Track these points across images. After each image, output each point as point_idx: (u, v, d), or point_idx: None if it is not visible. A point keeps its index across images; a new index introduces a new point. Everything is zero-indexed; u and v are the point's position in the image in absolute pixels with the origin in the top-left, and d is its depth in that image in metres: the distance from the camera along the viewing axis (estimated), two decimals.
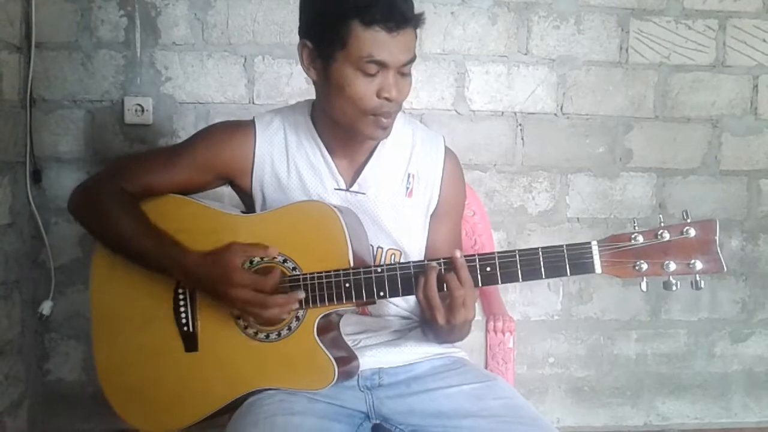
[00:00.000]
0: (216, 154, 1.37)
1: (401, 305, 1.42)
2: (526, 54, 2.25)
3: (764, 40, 2.33)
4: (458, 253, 1.19)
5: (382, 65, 1.22)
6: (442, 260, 1.20)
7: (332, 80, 1.26)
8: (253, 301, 1.21)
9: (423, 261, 1.24)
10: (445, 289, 1.18)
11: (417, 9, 1.25)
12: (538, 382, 2.37)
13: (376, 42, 1.21)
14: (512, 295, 2.31)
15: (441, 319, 1.19)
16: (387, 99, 1.24)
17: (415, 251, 1.40)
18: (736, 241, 2.39)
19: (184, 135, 2.08)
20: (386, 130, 1.30)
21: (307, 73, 1.33)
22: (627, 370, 2.41)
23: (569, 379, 2.39)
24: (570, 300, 2.35)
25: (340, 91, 1.25)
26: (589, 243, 1.16)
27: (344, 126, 1.30)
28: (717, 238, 1.12)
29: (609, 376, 2.40)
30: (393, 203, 1.38)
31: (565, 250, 1.17)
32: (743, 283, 2.41)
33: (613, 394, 2.41)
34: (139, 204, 1.33)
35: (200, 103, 2.15)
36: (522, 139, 2.28)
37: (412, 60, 1.26)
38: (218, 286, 1.22)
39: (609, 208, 2.33)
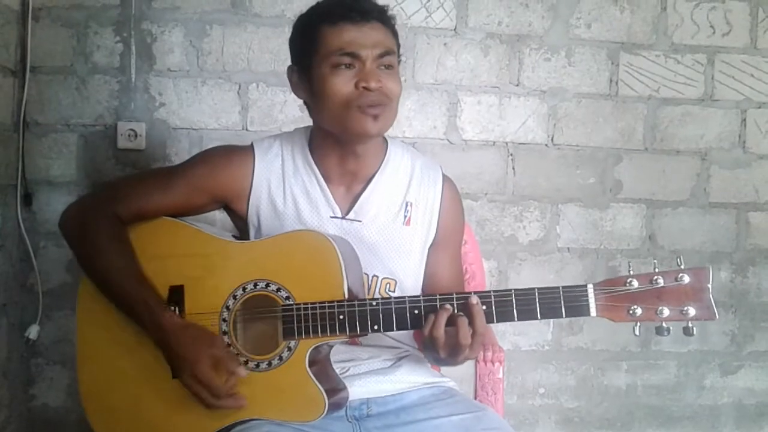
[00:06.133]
0: (214, 177, 1.36)
1: (392, 334, 1.40)
2: (517, 85, 2.28)
3: (752, 75, 2.36)
4: (475, 299, 1.17)
5: (354, 56, 1.25)
6: (455, 299, 1.19)
7: (315, 88, 1.29)
8: (211, 389, 1.21)
9: (418, 296, 1.22)
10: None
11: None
12: (528, 413, 2.36)
13: (344, 34, 1.25)
14: (502, 325, 2.26)
15: (443, 354, 1.20)
16: (366, 88, 1.24)
17: (410, 281, 1.40)
18: (725, 273, 2.40)
19: (177, 160, 2.08)
20: (378, 121, 1.27)
21: (297, 95, 1.36)
22: (617, 401, 2.39)
23: (559, 409, 2.37)
24: (560, 330, 2.35)
25: (323, 94, 1.27)
26: (585, 286, 1.16)
27: (337, 132, 1.30)
28: (710, 286, 1.14)
29: (599, 407, 2.39)
30: (390, 231, 1.37)
31: (561, 292, 1.17)
32: (732, 315, 2.41)
33: (603, 426, 2.39)
34: (129, 237, 1.31)
35: (194, 129, 2.15)
36: (513, 168, 2.29)
37: (389, 53, 1.28)
38: (186, 359, 1.21)
39: (599, 239, 2.34)
